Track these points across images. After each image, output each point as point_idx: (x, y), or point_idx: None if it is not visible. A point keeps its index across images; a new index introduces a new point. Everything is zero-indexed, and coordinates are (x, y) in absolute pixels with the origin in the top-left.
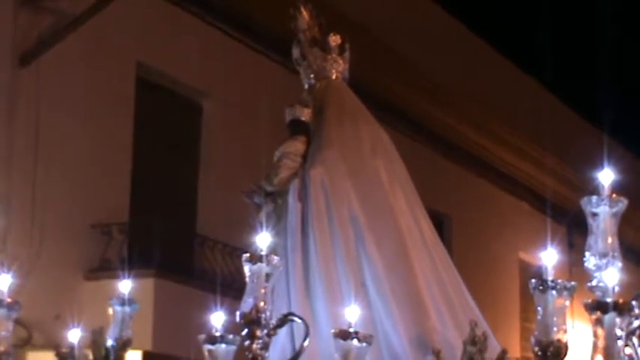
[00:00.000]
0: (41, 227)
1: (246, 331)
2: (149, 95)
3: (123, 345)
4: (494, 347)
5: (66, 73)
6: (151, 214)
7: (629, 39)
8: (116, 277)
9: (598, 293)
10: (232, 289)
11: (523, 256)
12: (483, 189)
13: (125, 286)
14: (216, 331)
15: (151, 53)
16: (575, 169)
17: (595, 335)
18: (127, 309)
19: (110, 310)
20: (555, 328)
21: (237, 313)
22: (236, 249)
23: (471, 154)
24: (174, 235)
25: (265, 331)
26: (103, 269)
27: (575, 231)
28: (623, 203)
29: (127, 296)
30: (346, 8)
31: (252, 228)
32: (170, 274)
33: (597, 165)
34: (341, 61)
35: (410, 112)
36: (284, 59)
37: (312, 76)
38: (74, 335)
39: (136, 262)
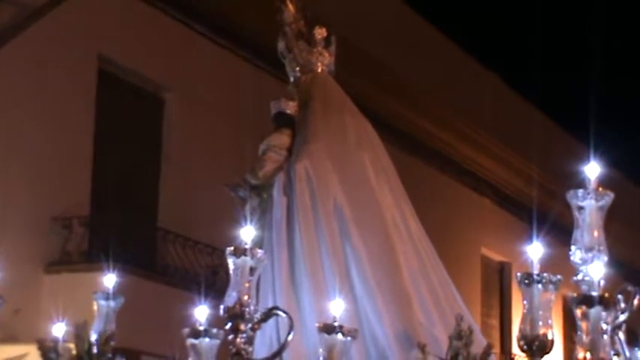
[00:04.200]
0: (1, 220)
1: (229, 325)
2: (111, 88)
3: (106, 339)
4: (479, 341)
5: (27, 65)
6: (112, 208)
7: (588, 35)
8: (76, 270)
9: (584, 287)
10: (194, 282)
11: (485, 252)
12: (446, 185)
13: (110, 280)
14: (200, 325)
15: (112, 46)
16: (538, 165)
17: (580, 329)
18: (112, 303)
19: (95, 305)
20: (541, 323)
21: (221, 306)
22: (198, 243)
23: (434, 150)
24: (136, 229)
25: (249, 325)
26: (64, 263)
27: (537, 227)
28: (609, 197)
29: (111, 290)
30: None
31: (233, 222)
32: (131, 267)
33: (561, 162)
34: (327, 54)
35: (373, 108)
36: (248, 54)
37: (297, 69)
38: (59, 329)
39: (96, 255)
